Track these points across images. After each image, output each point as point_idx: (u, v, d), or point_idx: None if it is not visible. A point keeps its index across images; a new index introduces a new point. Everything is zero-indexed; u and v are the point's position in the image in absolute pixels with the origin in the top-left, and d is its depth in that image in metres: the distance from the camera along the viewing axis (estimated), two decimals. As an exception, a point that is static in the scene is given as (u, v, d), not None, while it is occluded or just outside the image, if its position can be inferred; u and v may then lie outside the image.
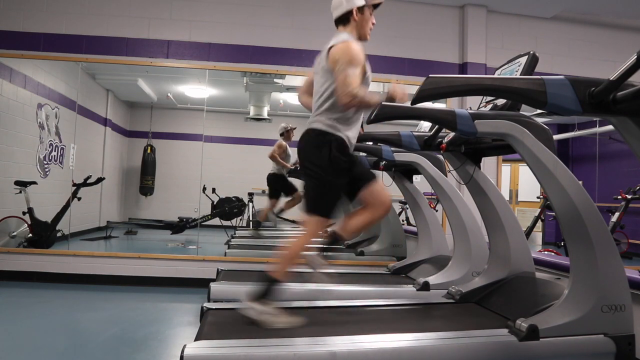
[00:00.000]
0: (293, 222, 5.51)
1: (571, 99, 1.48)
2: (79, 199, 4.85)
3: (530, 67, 2.11)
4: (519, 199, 7.66)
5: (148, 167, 6.74)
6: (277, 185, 5.33)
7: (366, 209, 2.35)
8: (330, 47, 2.17)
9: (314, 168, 2.19)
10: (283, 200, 5.42)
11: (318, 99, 2.25)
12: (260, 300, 2.06)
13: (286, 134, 5.37)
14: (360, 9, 2.27)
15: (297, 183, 5.38)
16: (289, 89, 5.60)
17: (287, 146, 5.34)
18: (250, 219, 6.04)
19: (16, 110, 4.57)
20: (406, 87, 2.14)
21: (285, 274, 2.13)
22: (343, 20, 2.29)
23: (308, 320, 2.10)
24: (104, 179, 5.78)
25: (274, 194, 5.36)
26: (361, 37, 2.30)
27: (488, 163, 3.94)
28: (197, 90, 5.93)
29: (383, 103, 2.11)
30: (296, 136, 5.36)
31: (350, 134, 2.24)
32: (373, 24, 2.35)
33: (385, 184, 2.64)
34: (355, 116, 2.24)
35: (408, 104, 1.82)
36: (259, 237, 5.16)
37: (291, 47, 4.20)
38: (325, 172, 2.16)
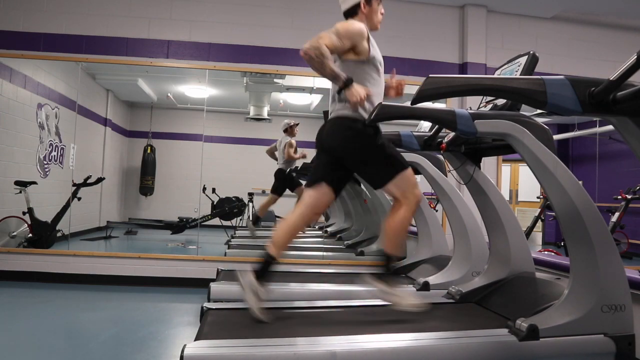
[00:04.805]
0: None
1: (571, 99, 1.48)
2: (79, 199, 4.85)
3: (530, 67, 2.11)
4: (519, 199, 7.66)
5: (148, 167, 6.74)
6: (284, 180, 5.34)
7: (398, 206, 2.20)
8: None
9: (351, 140, 2.17)
10: (283, 201, 5.42)
11: (337, 87, 2.22)
12: (257, 277, 2.07)
13: (290, 129, 5.38)
14: (368, 1, 2.29)
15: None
16: (289, 89, 5.61)
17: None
18: (250, 219, 6.05)
19: (16, 110, 4.57)
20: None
21: (282, 251, 2.14)
22: (351, 12, 2.31)
23: (308, 320, 2.10)
24: (104, 179, 5.78)
25: (276, 190, 5.36)
26: (371, 28, 2.32)
27: (488, 163, 3.95)
28: (197, 90, 5.93)
29: (383, 103, 2.11)
30: (300, 133, 5.38)
31: None
32: (382, 14, 2.36)
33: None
34: (375, 99, 2.23)
35: (408, 103, 1.81)
36: (255, 235, 5.15)
37: (291, 47, 4.19)
38: (363, 136, 2.16)
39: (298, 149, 5.34)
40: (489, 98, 2.37)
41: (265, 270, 2.10)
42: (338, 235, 4.94)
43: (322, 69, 2.03)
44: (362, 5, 2.27)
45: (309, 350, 1.72)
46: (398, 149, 2.82)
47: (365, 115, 2.17)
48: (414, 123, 3.60)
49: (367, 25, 2.28)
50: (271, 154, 5.60)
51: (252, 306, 2.03)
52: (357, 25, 2.18)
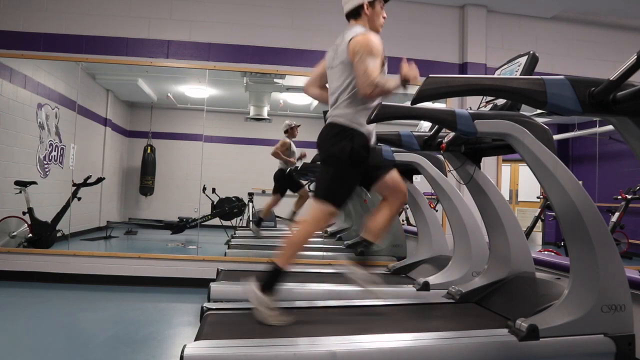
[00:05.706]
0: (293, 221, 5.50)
1: (571, 99, 1.48)
2: (79, 199, 4.85)
3: (530, 67, 2.11)
4: (519, 199, 7.66)
5: (148, 167, 6.73)
6: (283, 181, 5.34)
7: (384, 202, 2.41)
8: (350, 40, 2.17)
9: (333, 160, 2.22)
10: (283, 201, 5.41)
11: (338, 93, 2.26)
12: (263, 290, 2.07)
13: (290, 131, 5.38)
14: (371, 3, 2.29)
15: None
16: (289, 89, 5.60)
17: (292, 143, 5.35)
18: (251, 219, 6.04)
19: (16, 110, 4.57)
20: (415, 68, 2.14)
21: (290, 262, 2.14)
22: (354, 14, 2.31)
23: (308, 320, 2.10)
24: (104, 179, 5.78)
25: (277, 190, 5.36)
26: (373, 31, 2.31)
27: (488, 163, 3.94)
28: (197, 90, 5.92)
29: (383, 103, 2.11)
30: (300, 133, 5.37)
31: (371, 127, 2.26)
32: (384, 17, 2.37)
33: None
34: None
35: (408, 103, 1.81)
36: (259, 235, 5.16)
37: (291, 47, 4.20)
38: (344, 163, 2.19)
39: (297, 149, 5.33)
40: (489, 98, 2.37)
41: (272, 282, 2.10)
42: (338, 235, 4.94)
43: (389, 94, 2.11)
44: (365, 7, 2.28)
45: (309, 350, 1.72)
46: (398, 148, 2.84)
47: (360, 129, 2.21)
48: (414, 123, 3.60)
49: (368, 28, 2.29)
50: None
51: (274, 320, 2.03)
52: (376, 40, 2.18)
